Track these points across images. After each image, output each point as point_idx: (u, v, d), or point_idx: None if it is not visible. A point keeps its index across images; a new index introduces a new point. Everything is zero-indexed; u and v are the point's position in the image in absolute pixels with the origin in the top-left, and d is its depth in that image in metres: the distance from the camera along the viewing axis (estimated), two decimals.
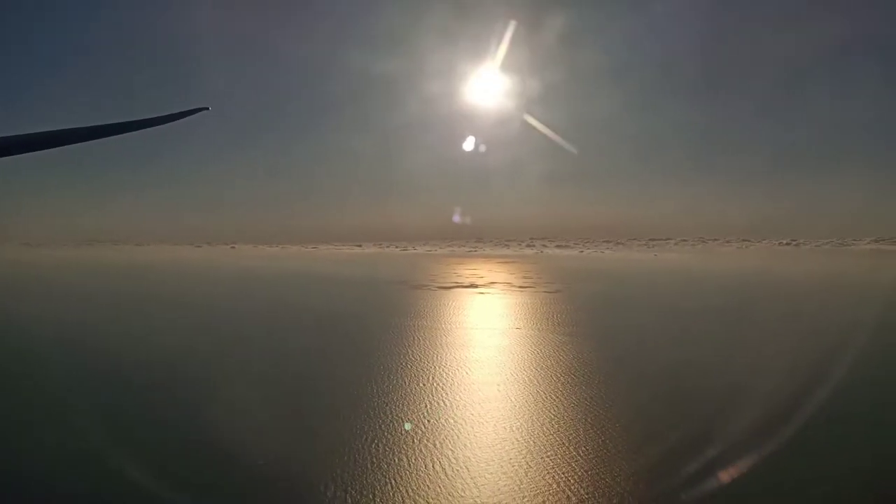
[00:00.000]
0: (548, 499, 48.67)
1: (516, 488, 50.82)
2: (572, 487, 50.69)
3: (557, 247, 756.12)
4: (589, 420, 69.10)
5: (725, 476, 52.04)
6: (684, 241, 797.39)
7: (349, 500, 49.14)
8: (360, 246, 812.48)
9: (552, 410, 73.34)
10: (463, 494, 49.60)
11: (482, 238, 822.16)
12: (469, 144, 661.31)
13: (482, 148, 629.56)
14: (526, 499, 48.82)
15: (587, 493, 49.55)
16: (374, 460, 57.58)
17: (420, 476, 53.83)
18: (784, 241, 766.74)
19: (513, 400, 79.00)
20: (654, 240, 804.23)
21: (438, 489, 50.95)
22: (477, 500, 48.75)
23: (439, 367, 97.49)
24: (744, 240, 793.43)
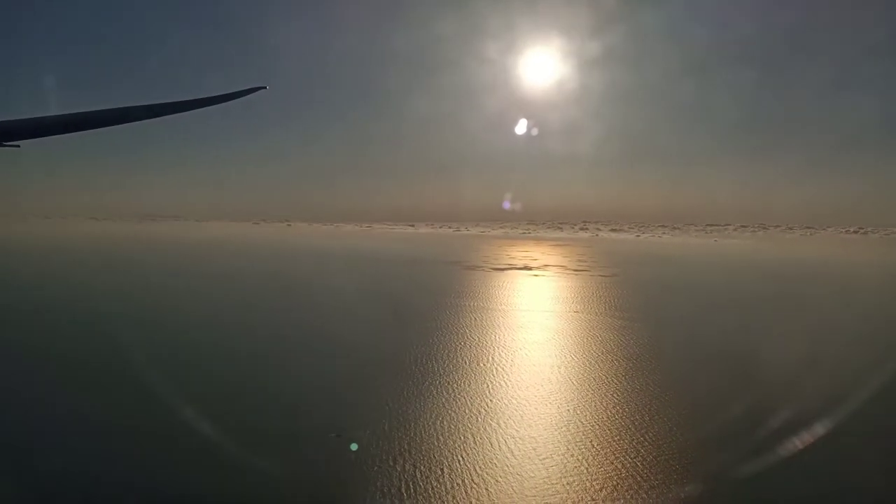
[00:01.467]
0: (619, 483, 48.58)
1: (585, 471, 50.89)
2: (642, 473, 50.42)
3: (612, 231, 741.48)
4: (653, 405, 68.35)
5: (779, 459, 51.50)
6: (744, 227, 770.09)
7: (418, 476, 50.12)
8: (412, 226, 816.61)
9: (616, 394, 72.90)
10: (532, 475, 49.94)
11: (534, 220, 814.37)
12: (521, 127, 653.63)
13: (534, 131, 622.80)
14: (596, 482, 48.87)
15: (657, 480, 49.23)
16: (441, 437, 58.53)
17: (486, 454, 54.44)
18: (851, 229, 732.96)
19: (575, 383, 78.86)
20: (712, 225, 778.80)
21: (506, 468, 51.43)
22: (546, 480, 49.05)
23: (500, 348, 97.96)
24: (807, 227, 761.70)
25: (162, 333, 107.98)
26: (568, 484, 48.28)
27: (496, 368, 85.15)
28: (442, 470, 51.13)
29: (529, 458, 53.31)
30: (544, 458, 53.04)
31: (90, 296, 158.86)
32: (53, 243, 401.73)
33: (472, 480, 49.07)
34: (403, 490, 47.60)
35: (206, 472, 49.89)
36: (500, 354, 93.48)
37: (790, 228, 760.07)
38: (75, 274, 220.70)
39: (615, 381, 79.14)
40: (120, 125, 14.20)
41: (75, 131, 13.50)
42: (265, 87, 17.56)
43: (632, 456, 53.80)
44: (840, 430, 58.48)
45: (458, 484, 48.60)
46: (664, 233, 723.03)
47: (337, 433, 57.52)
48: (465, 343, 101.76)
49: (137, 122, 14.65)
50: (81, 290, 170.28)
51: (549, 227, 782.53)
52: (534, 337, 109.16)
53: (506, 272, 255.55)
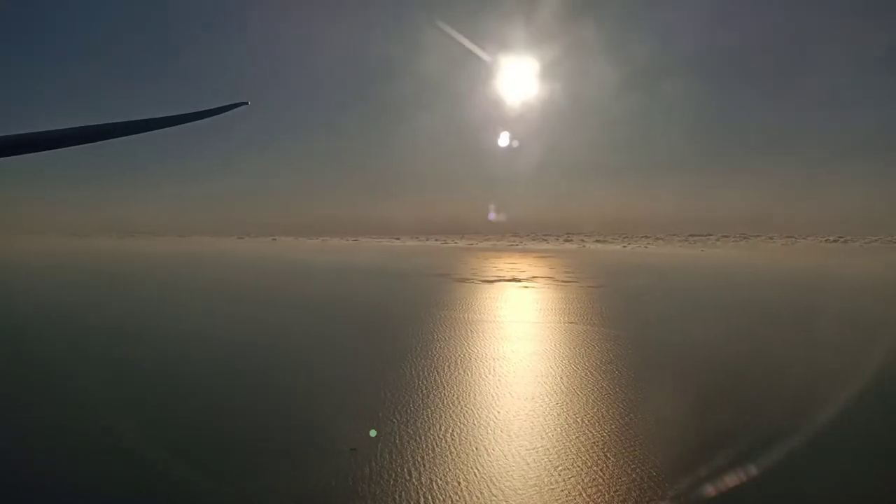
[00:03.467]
0: (642, 493, 48.75)
1: (603, 480, 51.00)
2: (657, 480, 50.63)
3: (597, 241, 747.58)
4: (660, 413, 68.73)
5: (791, 459, 53.03)
6: (725, 236, 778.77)
7: (435, 488, 49.93)
8: (398, 239, 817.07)
9: (623, 404, 73.07)
10: (552, 486, 49.96)
11: (518, 232, 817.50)
12: (503, 140, 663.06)
13: (515, 143, 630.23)
14: (617, 492, 49.01)
15: (675, 485, 49.54)
16: (454, 449, 58.37)
17: (502, 465, 54.25)
18: (831, 238, 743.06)
19: (580, 393, 78.81)
20: (694, 235, 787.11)
21: (525, 479, 51.35)
22: (567, 493, 49.09)
23: (500, 360, 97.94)
24: (788, 236, 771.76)
25: (160, 349, 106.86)
26: (589, 496, 48.37)
27: (500, 380, 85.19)
28: (459, 482, 50.99)
29: (546, 469, 53.31)
30: (562, 470, 53.08)
31: (77, 310, 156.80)
32: (34, 259, 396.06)
33: (491, 492, 48.94)
34: (422, 502, 47.45)
35: (210, 485, 49.47)
36: (501, 366, 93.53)
37: (771, 238, 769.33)
38: (60, 289, 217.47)
39: (620, 390, 79.48)
40: (101, 142, 14.18)
41: (54, 149, 13.32)
42: (247, 103, 17.56)
43: (647, 464, 53.98)
44: (837, 431, 61.05)
45: (476, 496, 48.45)
46: (649, 243, 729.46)
47: (352, 447, 57.19)
48: (465, 355, 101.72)
49: (117, 139, 14.61)
50: (67, 306, 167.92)
51: (534, 239, 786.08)
52: (532, 348, 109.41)
53: (495, 284, 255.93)
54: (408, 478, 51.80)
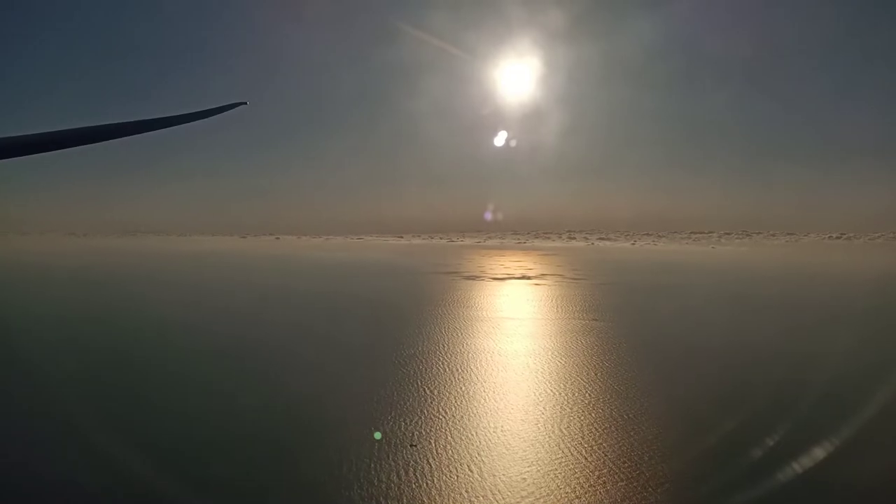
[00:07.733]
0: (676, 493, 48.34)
1: (664, 478, 50.59)
2: (695, 478, 50.20)
3: (601, 239, 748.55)
4: (703, 414, 68.39)
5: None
6: (727, 234, 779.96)
7: (499, 483, 49.56)
8: (401, 237, 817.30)
9: (668, 403, 72.31)
10: (608, 484, 49.49)
11: (518, 230, 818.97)
12: (500, 139, 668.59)
13: (513, 143, 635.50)
14: (684, 489, 48.59)
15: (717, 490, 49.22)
16: (510, 444, 57.95)
17: (560, 461, 53.86)
18: (834, 235, 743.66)
19: (619, 389, 78.23)
20: (696, 232, 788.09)
21: (590, 475, 50.92)
22: (630, 489, 48.63)
23: (533, 357, 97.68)
24: (789, 233, 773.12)
25: (170, 349, 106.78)
26: (657, 496, 47.98)
27: (538, 377, 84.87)
28: (524, 478, 50.51)
29: (604, 466, 52.81)
30: (626, 468, 52.62)
31: (82, 310, 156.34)
32: (36, 259, 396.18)
33: (559, 487, 48.48)
34: (490, 496, 47.03)
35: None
36: (535, 363, 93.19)
37: (773, 235, 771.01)
38: (63, 290, 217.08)
39: (658, 388, 78.89)
40: (102, 142, 14.14)
41: (56, 150, 13.12)
42: (245, 103, 17.93)
43: (698, 464, 53.59)
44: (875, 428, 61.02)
45: (545, 489, 48.02)
46: (654, 241, 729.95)
47: (412, 443, 56.87)
48: (492, 352, 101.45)
49: (118, 140, 14.56)
50: (71, 305, 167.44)
51: (537, 237, 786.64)
52: (559, 345, 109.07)
53: (506, 281, 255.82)
54: (469, 472, 51.41)
